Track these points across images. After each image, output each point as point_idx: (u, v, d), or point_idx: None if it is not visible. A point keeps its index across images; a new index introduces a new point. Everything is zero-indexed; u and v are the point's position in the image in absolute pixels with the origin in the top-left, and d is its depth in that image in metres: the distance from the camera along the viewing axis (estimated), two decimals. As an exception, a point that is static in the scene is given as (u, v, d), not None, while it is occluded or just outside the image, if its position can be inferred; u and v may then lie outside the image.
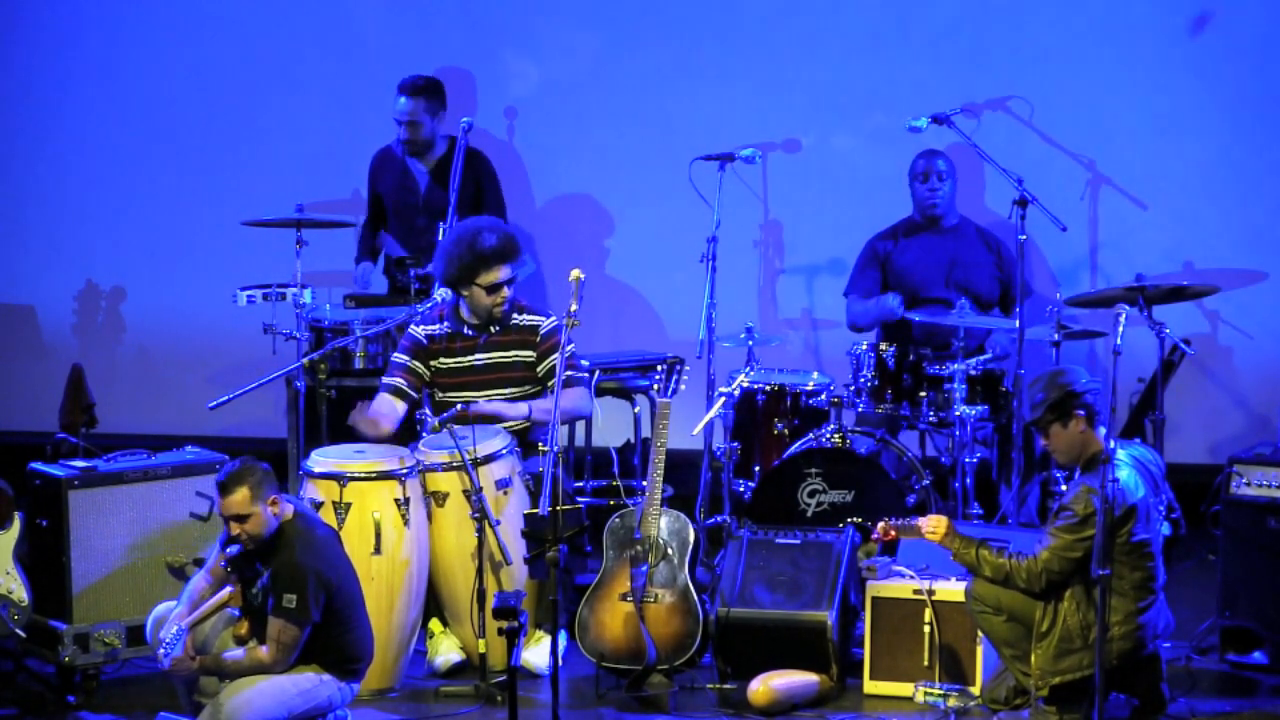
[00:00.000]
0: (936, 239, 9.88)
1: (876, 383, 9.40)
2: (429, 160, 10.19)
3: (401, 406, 8.70)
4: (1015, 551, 7.78)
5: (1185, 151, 10.43)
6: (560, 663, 7.75)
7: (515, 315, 8.79)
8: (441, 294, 8.81)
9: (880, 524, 8.02)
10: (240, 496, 7.48)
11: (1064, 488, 8.62)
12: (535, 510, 7.69)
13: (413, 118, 10.09)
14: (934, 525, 7.91)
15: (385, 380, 8.77)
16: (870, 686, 8.25)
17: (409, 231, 10.22)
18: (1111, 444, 7.55)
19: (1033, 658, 7.74)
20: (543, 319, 8.79)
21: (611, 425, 10.10)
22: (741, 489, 9.54)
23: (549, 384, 8.66)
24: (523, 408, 8.65)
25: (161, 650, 7.52)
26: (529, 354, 8.75)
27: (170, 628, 7.55)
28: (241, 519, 7.50)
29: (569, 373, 8.50)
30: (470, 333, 8.77)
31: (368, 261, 10.35)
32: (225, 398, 8.58)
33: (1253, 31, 10.33)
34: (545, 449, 7.85)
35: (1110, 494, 7.42)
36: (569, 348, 8.40)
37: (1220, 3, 10.35)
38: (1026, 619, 7.80)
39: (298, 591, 7.45)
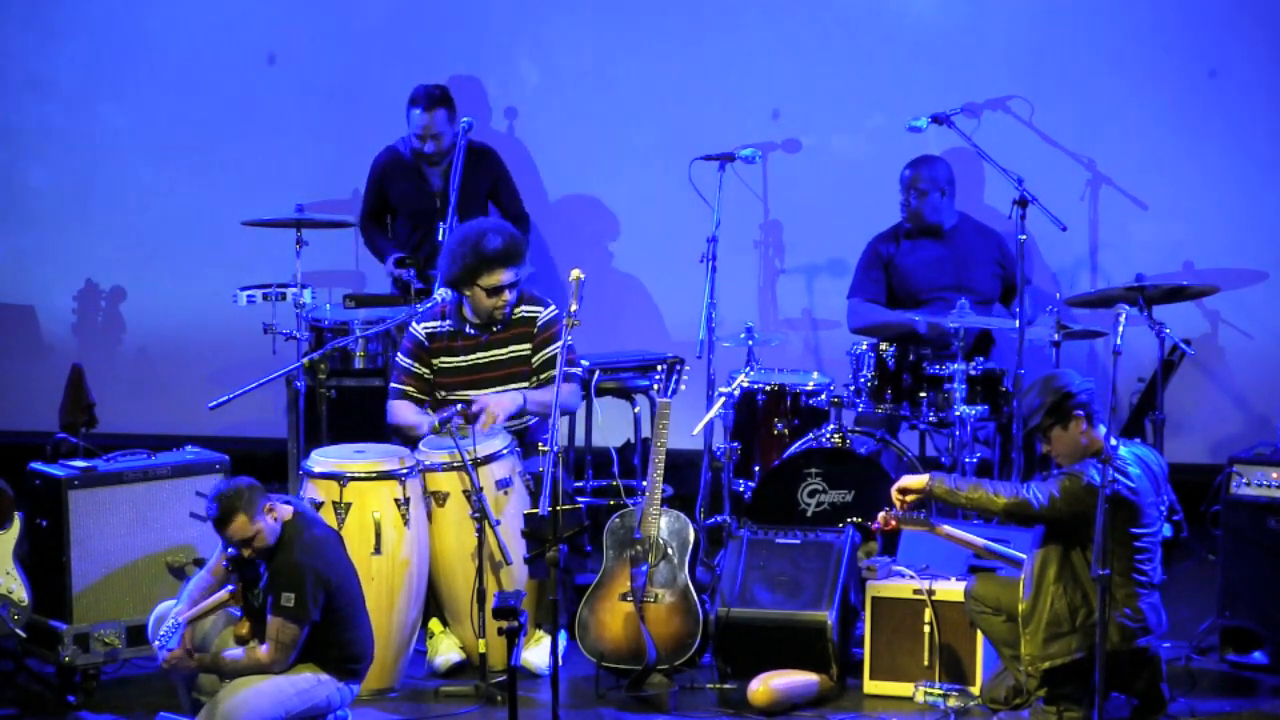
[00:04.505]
0: (937, 242, 9.87)
1: (876, 383, 9.40)
2: (442, 164, 10.16)
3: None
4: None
5: (1185, 151, 10.43)
6: (560, 663, 7.75)
7: (516, 308, 8.78)
8: (442, 294, 8.81)
9: (880, 514, 8.00)
10: (240, 523, 7.47)
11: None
12: (535, 510, 7.69)
13: (433, 130, 10.02)
14: (914, 481, 7.88)
15: (393, 386, 8.78)
16: (870, 686, 8.25)
17: (426, 233, 10.17)
18: (1113, 441, 7.55)
19: (1021, 644, 7.74)
20: (540, 309, 8.78)
21: (611, 425, 10.10)
22: (741, 489, 9.54)
23: (542, 376, 8.66)
24: (517, 396, 8.64)
25: (157, 643, 7.52)
26: (528, 347, 8.74)
27: (168, 622, 7.55)
28: (248, 541, 7.50)
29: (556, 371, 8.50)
30: (472, 332, 8.77)
31: (387, 243, 10.25)
32: (225, 398, 8.58)
33: (1253, 31, 10.33)
34: (545, 449, 7.85)
35: (1109, 489, 7.42)
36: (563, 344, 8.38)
37: (1221, 2, 10.36)
38: (1026, 619, 7.81)
39: (296, 590, 7.45)
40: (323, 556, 7.56)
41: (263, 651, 7.50)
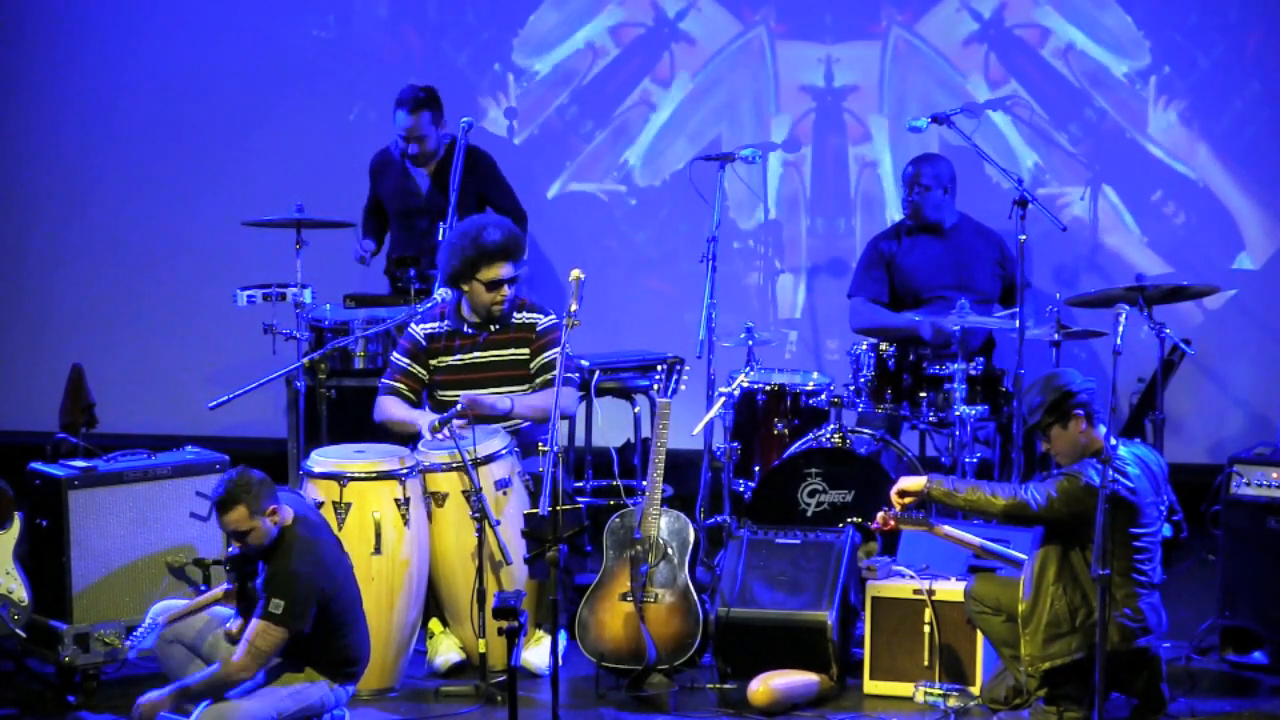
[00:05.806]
0: (938, 240, 9.87)
1: (876, 383, 9.40)
2: (429, 165, 10.16)
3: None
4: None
5: (1186, 150, 10.43)
6: (560, 663, 7.75)
7: (516, 313, 8.79)
8: (442, 294, 8.80)
9: (879, 515, 7.99)
10: (238, 514, 7.45)
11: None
12: (535, 510, 7.68)
13: (418, 132, 10.01)
14: (912, 484, 7.87)
15: (384, 382, 8.78)
16: (870, 686, 8.24)
17: (411, 234, 10.19)
18: (1113, 441, 7.55)
19: (1021, 644, 7.74)
20: (540, 316, 8.79)
21: (611, 425, 10.10)
22: (741, 489, 9.54)
23: (538, 381, 8.66)
24: (505, 400, 8.64)
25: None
26: (526, 352, 8.74)
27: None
28: (241, 535, 7.48)
29: (555, 374, 8.50)
30: (470, 331, 8.77)
31: (371, 239, 10.28)
32: (225, 398, 8.58)
33: (1253, 31, 10.33)
34: (545, 449, 7.84)
35: (1108, 489, 7.42)
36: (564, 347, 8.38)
37: (1221, 3, 10.36)
38: (1026, 619, 7.81)
39: (286, 598, 7.41)
40: (322, 564, 7.53)
41: (234, 658, 7.45)
